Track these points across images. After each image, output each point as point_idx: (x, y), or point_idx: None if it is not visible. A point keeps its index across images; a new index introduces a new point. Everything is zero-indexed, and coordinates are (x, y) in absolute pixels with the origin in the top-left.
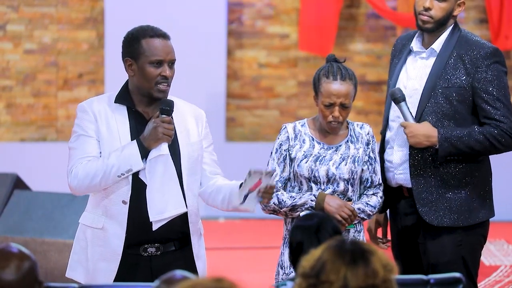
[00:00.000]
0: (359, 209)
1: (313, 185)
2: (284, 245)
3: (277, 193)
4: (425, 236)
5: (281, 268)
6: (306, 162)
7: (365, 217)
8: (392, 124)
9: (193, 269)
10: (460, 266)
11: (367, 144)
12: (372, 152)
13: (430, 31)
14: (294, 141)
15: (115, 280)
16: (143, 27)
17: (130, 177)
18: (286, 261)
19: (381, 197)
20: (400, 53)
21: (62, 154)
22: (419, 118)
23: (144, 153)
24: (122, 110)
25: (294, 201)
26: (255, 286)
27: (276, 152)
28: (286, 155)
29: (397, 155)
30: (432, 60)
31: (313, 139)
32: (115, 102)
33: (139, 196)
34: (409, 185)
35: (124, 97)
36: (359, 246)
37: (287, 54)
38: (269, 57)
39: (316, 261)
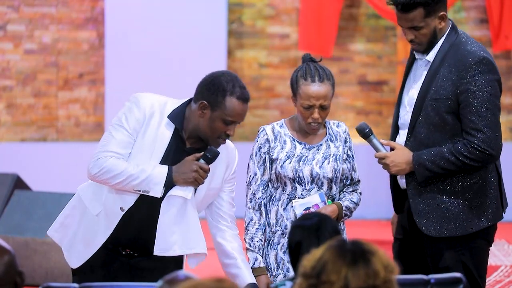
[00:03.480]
0: (346, 207)
1: (297, 185)
2: (269, 247)
3: (254, 226)
4: (426, 240)
5: (267, 270)
6: (290, 163)
7: (349, 215)
8: (401, 131)
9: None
10: (461, 272)
11: (345, 142)
12: (350, 149)
13: (424, 52)
14: (274, 142)
15: (85, 263)
16: (235, 81)
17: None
18: (272, 263)
19: (360, 193)
20: (410, 56)
21: (62, 154)
22: (412, 129)
23: (169, 184)
24: (169, 128)
25: (250, 247)
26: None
27: (255, 155)
28: (265, 157)
29: None
30: (427, 69)
31: (293, 140)
32: (168, 117)
33: (139, 212)
34: None
35: (177, 117)
36: (360, 246)
37: (287, 54)
38: (269, 57)
39: (317, 261)
